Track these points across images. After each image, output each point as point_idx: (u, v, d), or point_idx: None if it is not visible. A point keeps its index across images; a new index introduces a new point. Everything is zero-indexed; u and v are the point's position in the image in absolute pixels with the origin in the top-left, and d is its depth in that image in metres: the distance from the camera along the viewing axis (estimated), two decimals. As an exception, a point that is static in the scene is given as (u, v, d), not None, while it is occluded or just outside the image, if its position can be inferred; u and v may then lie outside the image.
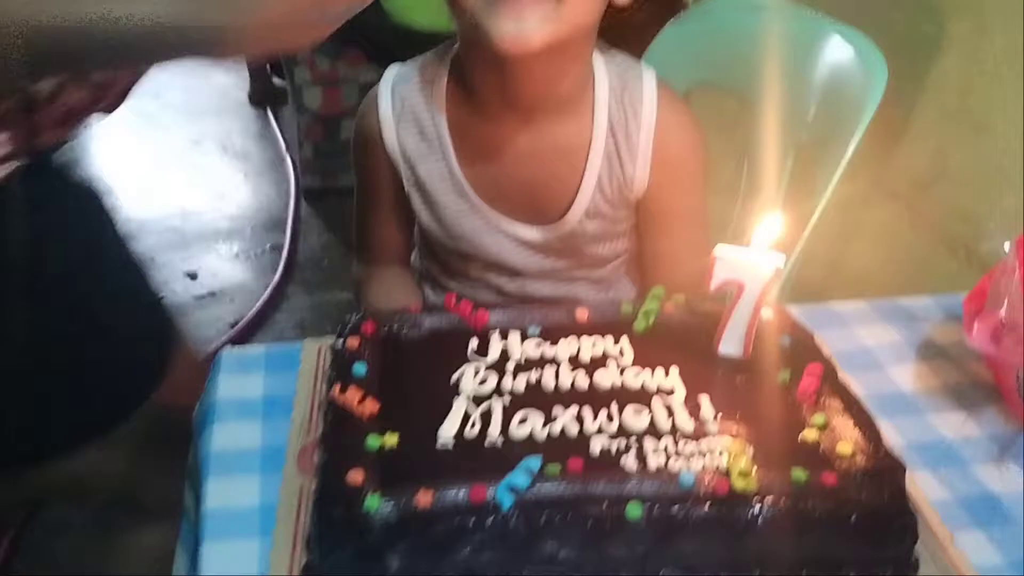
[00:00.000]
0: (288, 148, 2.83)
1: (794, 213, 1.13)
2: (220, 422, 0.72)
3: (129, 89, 0.91)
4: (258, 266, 2.37)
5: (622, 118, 0.93)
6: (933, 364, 0.83)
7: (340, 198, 2.61)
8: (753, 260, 0.72)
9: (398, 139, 0.95)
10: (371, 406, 0.65)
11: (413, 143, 0.95)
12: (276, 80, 3.05)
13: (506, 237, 0.97)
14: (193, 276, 2.31)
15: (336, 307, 2.21)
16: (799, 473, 0.60)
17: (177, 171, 2.74)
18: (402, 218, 1.01)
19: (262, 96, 3.10)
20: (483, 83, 0.91)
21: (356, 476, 0.59)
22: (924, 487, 0.70)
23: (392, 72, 0.98)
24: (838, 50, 1.19)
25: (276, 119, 3.01)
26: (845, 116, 1.16)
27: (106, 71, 0.84)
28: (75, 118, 0.86)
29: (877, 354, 0.84)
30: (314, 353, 0.79)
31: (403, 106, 0.95)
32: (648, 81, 0.94)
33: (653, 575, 0.59)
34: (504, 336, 0.73)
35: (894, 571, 0.61)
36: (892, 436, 0.74)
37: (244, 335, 2.11)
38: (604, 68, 0.94)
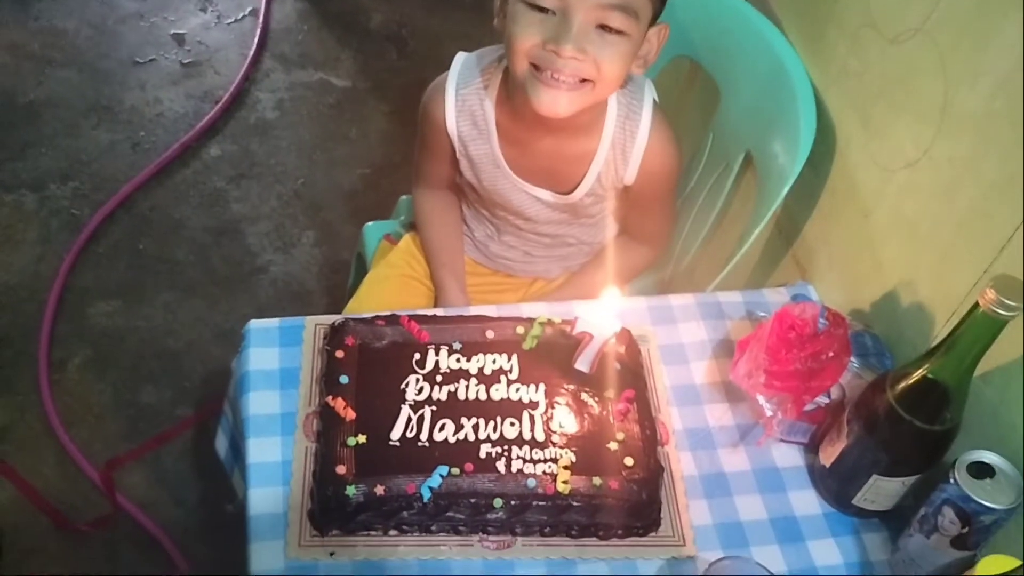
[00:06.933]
0: None
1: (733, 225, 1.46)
2: (253, 391, 1.13)
3: None
4: (238, 33, 2.58)
5: (622, 137, 1.30)
6: (720, 361, 1.24)
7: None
8: (600, 320, 1.11)
9: (456, 125, 1.33)
10: (350, 413, 1.06)
11: (467, 129, 1.33)
12: None
13: (527, 196, 1.37)
14: (180, 39, 2.53)
15: (312, 89, 2.49)
16: (597, 480, 1.05)
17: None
18: (451, 165, 1.40)
19: None
20: (522, 105, 1.24)
21: (341, 468, 1.02)
22: (684, 464, 1.15)
23: (458, 65, 1.33)
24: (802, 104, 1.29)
25: None
26: (780, 169, 1.30)
27: None
28: None
29: (687, 350, 1.25)
30: (311, 333, 1.18)
31: (463, 103, 1.32)
32: (646, 112, 1.29)
33: (509, 532, 1.05)
34: (437, 351, 1.13)
35: (643, 531, 1.07)
36: (676, 421, 1.18)
37: (227, 109, 2.40)
38: (616, 101, 1.29)
